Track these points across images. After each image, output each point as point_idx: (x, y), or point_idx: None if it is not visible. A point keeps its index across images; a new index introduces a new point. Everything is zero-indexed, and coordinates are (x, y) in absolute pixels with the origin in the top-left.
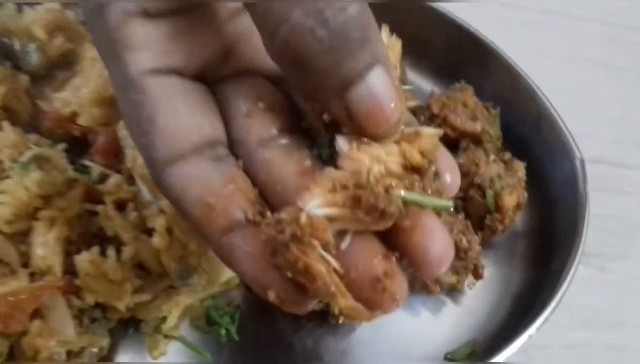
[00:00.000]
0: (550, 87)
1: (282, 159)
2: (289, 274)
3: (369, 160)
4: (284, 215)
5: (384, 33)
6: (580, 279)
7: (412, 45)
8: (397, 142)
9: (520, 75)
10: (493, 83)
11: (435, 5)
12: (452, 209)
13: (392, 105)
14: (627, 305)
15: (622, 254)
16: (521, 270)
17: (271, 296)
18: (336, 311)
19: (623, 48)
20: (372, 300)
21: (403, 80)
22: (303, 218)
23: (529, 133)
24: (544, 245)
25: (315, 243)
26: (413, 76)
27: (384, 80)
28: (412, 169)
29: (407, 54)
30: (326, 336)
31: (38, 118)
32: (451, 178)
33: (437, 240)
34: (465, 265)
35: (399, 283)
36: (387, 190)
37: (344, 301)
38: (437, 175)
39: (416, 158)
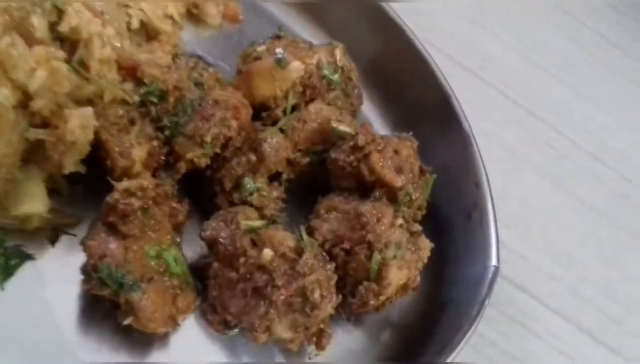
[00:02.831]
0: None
1: None
2: None
3: None
4: None
5: None
6: None
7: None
8: None
9: (475, 152)
10: (444, 150)
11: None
12: None
13: None
14: None
15: None
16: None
17: None
18: None
19: (606, 191)
20: None
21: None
22: None
23: (455, 217)
24: (413, 343)
25: None
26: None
27: None
28: None
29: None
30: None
31: None
32: None
33: None
34: (307, 323)
35: None
36: None
37: None
38: None
39: None
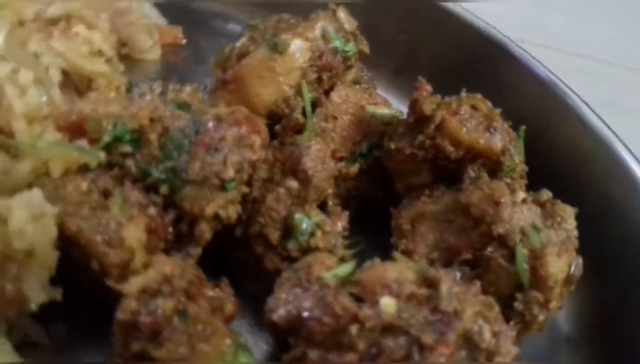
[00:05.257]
0: None
1: None
2: None
3: None
4: None
5: None
6: None
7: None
8: None
9: (558, 84)
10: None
11: None
12: None
13: None
14: None
15: None
16: None
17: None
18: None
19: None
20: None
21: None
22: None
23: (570, 166)
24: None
25: None
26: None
27: None
28: None
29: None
30: None
31: None
32: None
33: None
34: None
35: None
36: None
37: None
38: None
39: None
